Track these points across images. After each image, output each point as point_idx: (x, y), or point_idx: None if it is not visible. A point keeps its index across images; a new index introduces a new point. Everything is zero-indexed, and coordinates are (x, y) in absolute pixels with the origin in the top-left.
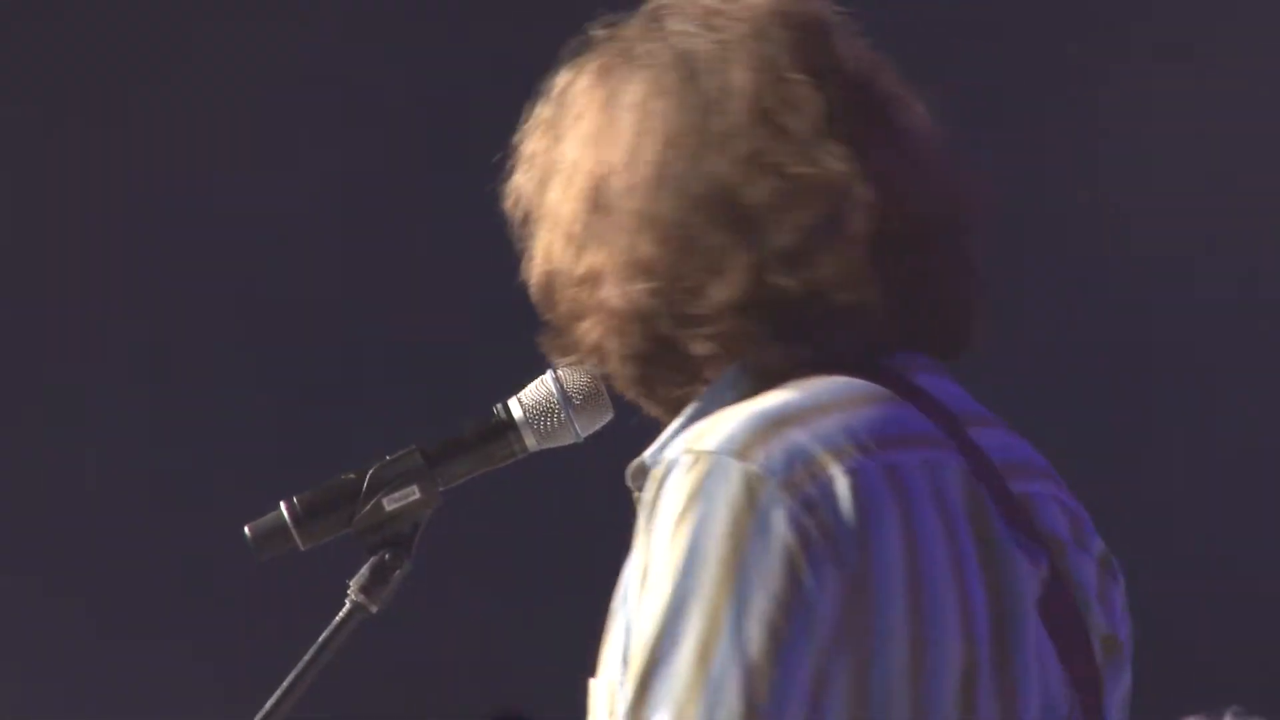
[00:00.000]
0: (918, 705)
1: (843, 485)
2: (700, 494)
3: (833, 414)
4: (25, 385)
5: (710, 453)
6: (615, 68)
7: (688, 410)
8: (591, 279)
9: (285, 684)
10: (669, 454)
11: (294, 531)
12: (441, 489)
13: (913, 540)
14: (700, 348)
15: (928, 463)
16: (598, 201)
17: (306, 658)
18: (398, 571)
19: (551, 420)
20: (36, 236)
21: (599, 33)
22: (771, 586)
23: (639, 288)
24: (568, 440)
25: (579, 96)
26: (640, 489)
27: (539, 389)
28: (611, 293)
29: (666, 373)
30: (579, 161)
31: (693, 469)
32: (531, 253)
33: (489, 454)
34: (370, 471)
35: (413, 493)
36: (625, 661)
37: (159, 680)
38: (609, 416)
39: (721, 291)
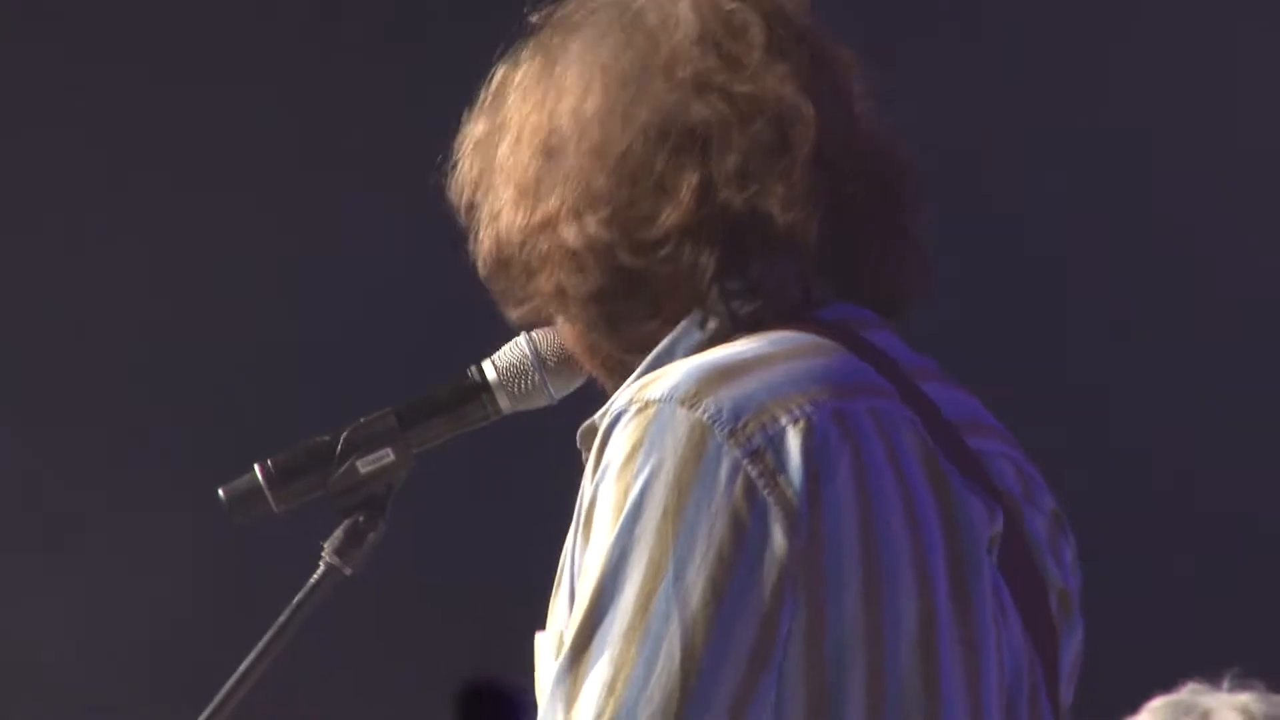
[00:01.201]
0: (874, 661)
1: (792, 434)
2: (646, 441)
3: (779, 364)
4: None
5: (656, 400)
6: (553, 38)
7: (640, 367)
8: (547, 224)
9: (259, 646)
10: (617, 404)
11: (268, 493)
12: (415, 451)
13: (865, 487)
14: (659, 275)
15: (875, 410)
16: (549, 149)
17: (281, 620)
18: (372, 534)
19: (525, 382)
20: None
21: (535, 19)
22: (715, 537)
23: (594, 219)
24: (541, 403)
25: (518, 73)
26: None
27: (513, 351)
28: (568, 231)
29: (629, 306)
30: (525, 120)
31: (638, 416)
32: (478, 228)
33: (463, 416)
34: (344, 434)
35: (386, 455)
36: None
37: (141, 652)
38: (583, 379)
39: (672, 214)
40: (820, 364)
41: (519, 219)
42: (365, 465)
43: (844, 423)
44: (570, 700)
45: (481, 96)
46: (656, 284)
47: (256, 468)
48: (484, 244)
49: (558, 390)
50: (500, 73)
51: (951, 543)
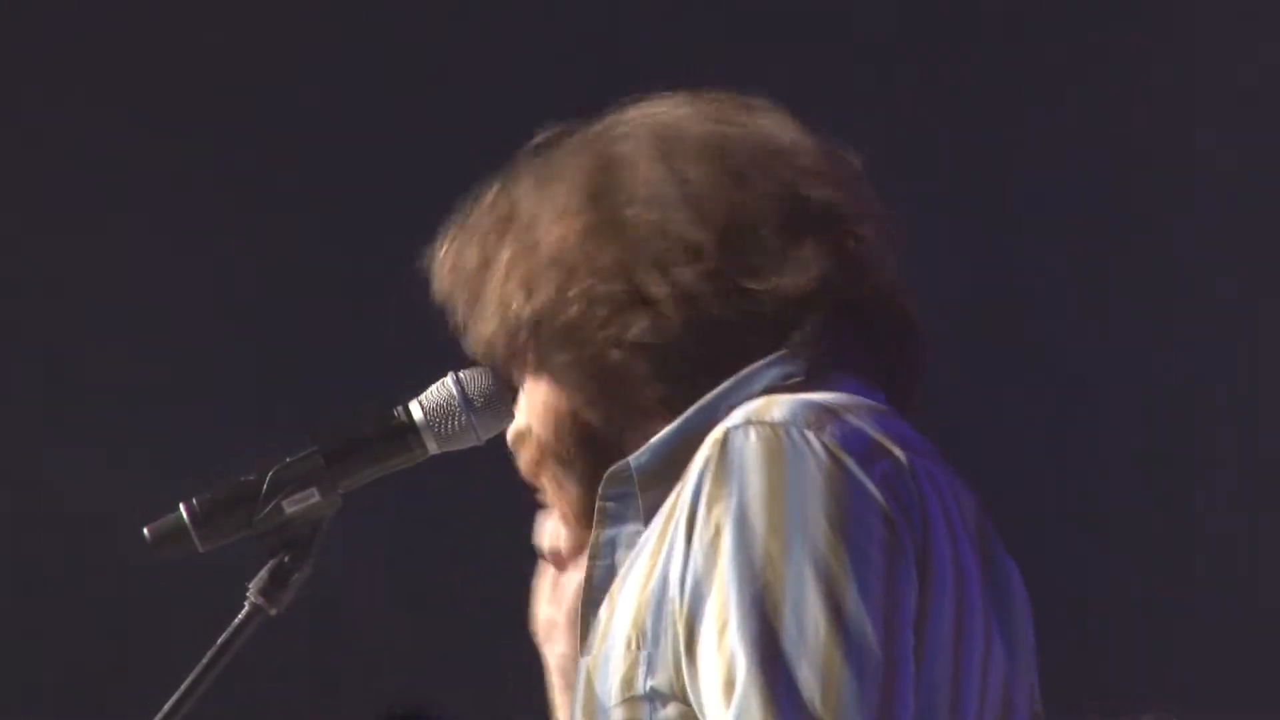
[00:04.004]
0: (956, 685)
1: (903, 465)
2: (787, 462)
3: (866, 414)
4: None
5: (781, 424)
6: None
7: (694, 408)
8: (610, 277)
9: (183, 686)
10: (728, 423)
11: (193, 533)
12: (342, 491)
13: (952, 530)
14: (736, 324)
15: (944, 475)
16: (599, 223)
17: (205, 660)
18: (297, 574)
19: (452, 423)
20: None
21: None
22: (878, 543)
23: (690, 270)
24: (469, 443)
25: (530, 170)
26: (613, 499)
27: (440, 391)
28: (649, 281)
29: (701, 351)
30: (560, 203)
31: (765, 439)
32: (489, 308)
33: (390, 457)
34: (270, 473)
35: (312, 495)
36: (688, 627)
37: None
38: (510, 420)
39: (783, 275)
40: (898, 421)
41: (565, 282)
42: (291, 505)
43: (929, 475)
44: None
45: (483, 198)
46: (733, 332)
47: (182, 507)
48: (509, 315)
49: (485, 431)
50: (499, 183)
51: (1000, 617)
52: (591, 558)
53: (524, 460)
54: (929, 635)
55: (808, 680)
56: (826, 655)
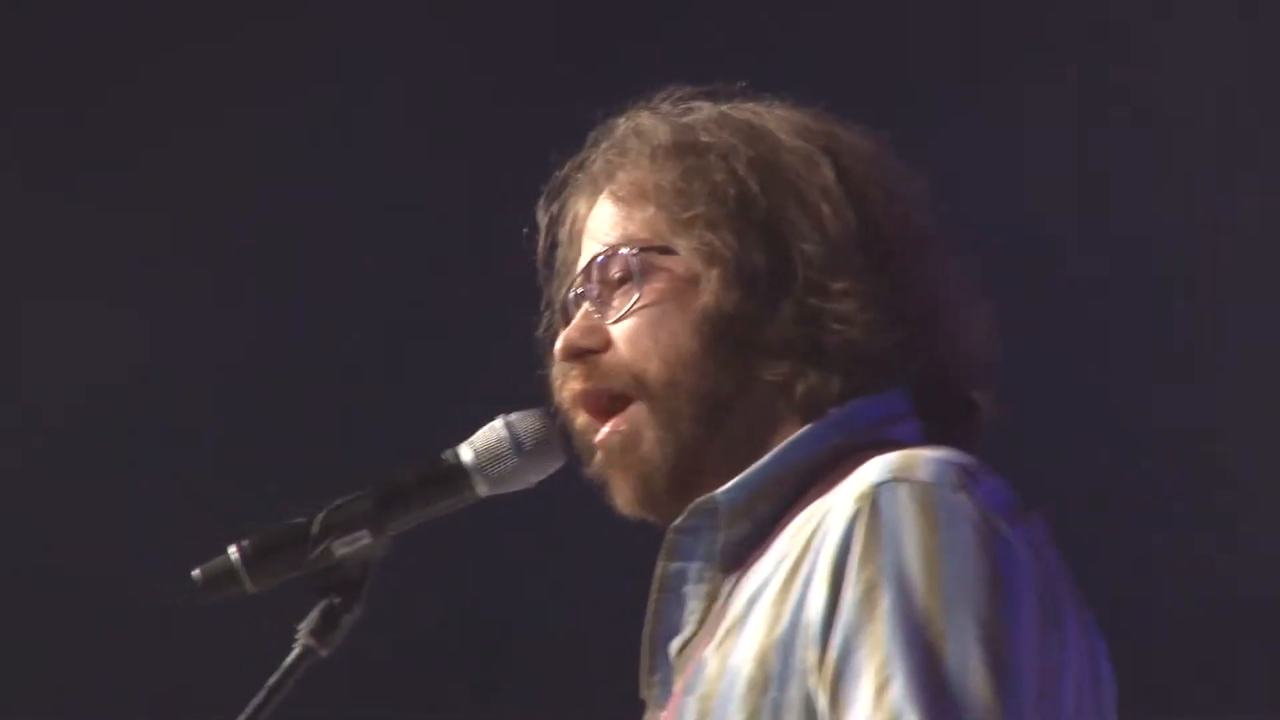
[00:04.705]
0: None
1: (1039, 527)
2: (942, 523)
3: (986, 473)
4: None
5: (931, 485)
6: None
7: (786, 444)
8: (866, 274)
9: None
10: (872, 478)
11: (243, 574)
12: (392, 533)
13: (1072, 589)
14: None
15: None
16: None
17: (256, 701)
18: (347, 616)
19: (502, 466)
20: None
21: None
22: (1030, 606)
23: (889, 282)
24: (518, 486)
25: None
26: (686, 531)
27: (490, 434)
28: (880, 282)
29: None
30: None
31: (918, 498)
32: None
33: (439, 499)
34: (321, 515)
35: (363, 537)
36: (834, 678)
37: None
38: (560, 463)
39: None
40: (1004, 480)
41: (841, 262)
42: (341, 547)
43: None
44: None
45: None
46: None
47: (233, 549)
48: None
49: (535, 474)
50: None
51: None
52: (661, 589)
53: (594, 380)
54: (1060, 692)
55: None
56: (987, 706)
